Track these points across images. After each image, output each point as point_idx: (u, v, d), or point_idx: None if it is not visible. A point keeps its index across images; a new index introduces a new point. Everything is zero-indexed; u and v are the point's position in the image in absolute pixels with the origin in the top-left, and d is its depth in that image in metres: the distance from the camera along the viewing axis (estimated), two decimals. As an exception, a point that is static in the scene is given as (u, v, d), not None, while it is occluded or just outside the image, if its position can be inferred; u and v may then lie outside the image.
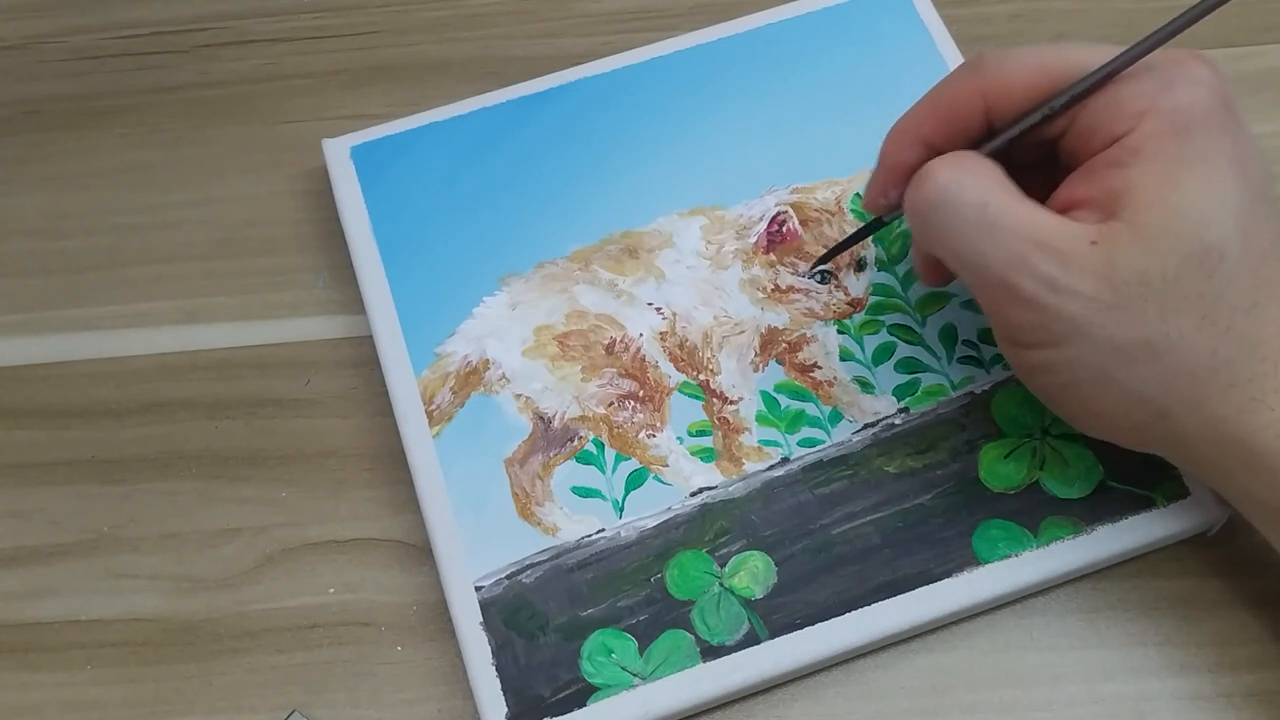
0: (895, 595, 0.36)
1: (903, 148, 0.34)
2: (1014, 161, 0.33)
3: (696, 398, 0.39)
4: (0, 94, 0.49)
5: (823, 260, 0.41)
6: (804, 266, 0.41)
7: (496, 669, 0.35)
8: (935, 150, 0.34)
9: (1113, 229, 0.30)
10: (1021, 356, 0.33)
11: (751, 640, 0.35)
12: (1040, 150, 0.34)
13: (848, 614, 0.36)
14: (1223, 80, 0.31)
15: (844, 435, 0.38)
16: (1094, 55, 0.32)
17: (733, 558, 0.37)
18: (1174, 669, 0.36)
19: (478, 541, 0.37)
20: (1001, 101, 0.33)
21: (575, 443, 0.39)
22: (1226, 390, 0.30)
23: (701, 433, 0.39)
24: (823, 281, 0.41)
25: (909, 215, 0.33)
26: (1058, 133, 0.33)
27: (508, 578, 0.37)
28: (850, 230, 0.41)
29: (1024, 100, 0.32)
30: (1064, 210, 0.31)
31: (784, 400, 0.39)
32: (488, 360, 0.40)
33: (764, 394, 0.39)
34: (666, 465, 0.38)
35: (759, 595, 0.36)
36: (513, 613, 0.36)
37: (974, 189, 0.31)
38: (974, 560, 0.36)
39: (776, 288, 0.41)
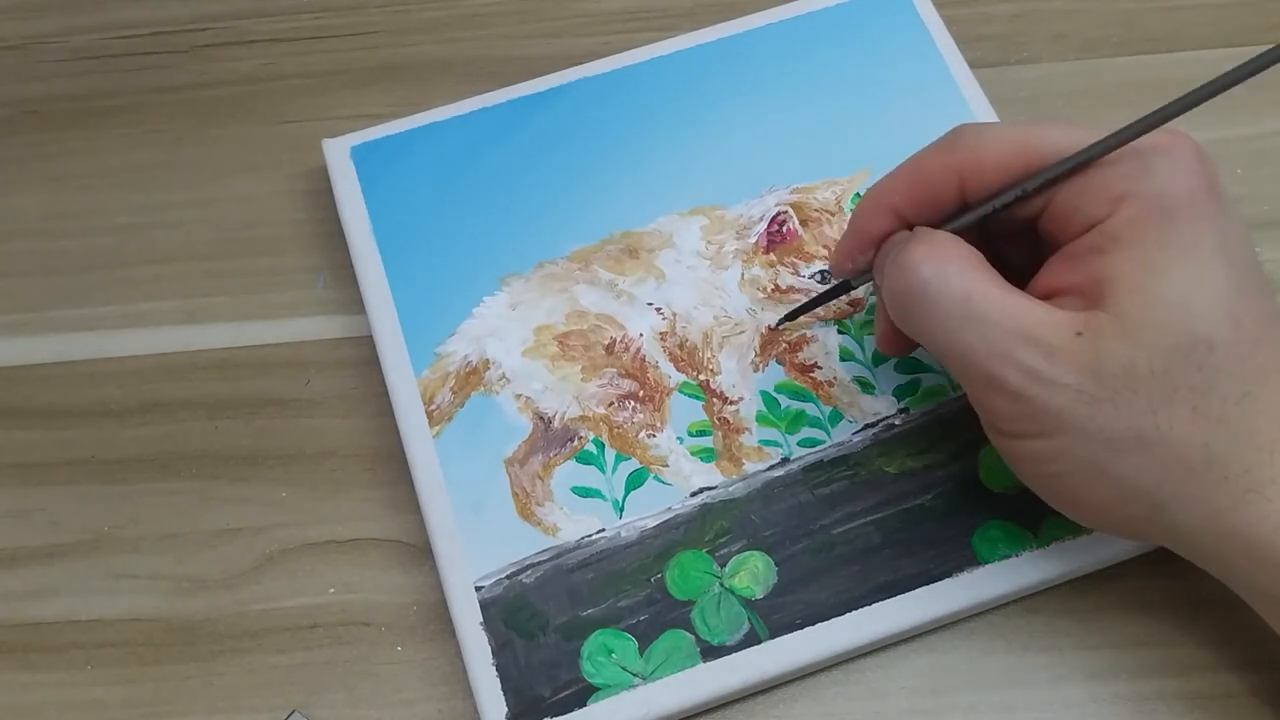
0: (895, 595, 0.36)
1: (874, 216, 0.34)
2: (993, 232, 0.33)
3: (696, 398, 0.39)
4: (0, 94, 0.49)
5: (789, 318, 0.40)
6: (804, 266, 0.41)
7: (496, 669, 0.35)
8: (906, 221, 0.33)
9: (1097, 319, 0.29)
10: (1009, 446, 0.32)
11: (751, 640, 0.35)
12: (1020, 226, 0.33)
13: (848, 614, 0.36)
14: (1208, 162, 0.30)
15: (844, 435, 0.38)
16: (1071, 136, 0.31)
17: (733, 558, 0.37)
18: (1174, 669, 0.36)
19: (478, 541, 0.37)
20: (975, 178, 0.32)
21: (575, 443, 0.39)
22: (1220, 483, 0.29)
23: (701, 433, 0.39)
24: (823, 281, 0.41)
25: (887, 298, 0.33)
26: (1034, 213, 0.32)
27: (508, 578, 0.37)
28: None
29: (998, 178, 0.32)
30: (1047, 296, 0.31)
31: (784, 400, 0.39)
32: (488, 360, 0.40)
33: (764, 394, 0.39)
34: (666, 465, 0.38)
35: (759, 595, 0.36)
36: (513, 613, 0.36)
37: (958, 280, 0.31)
38: (974, 560, 0.36)
39: (776, 288, 0.41)
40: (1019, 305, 0.30)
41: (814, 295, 0.39)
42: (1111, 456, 0.30)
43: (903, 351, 0.37)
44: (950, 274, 0.31)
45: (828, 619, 0.36)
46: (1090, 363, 0.29)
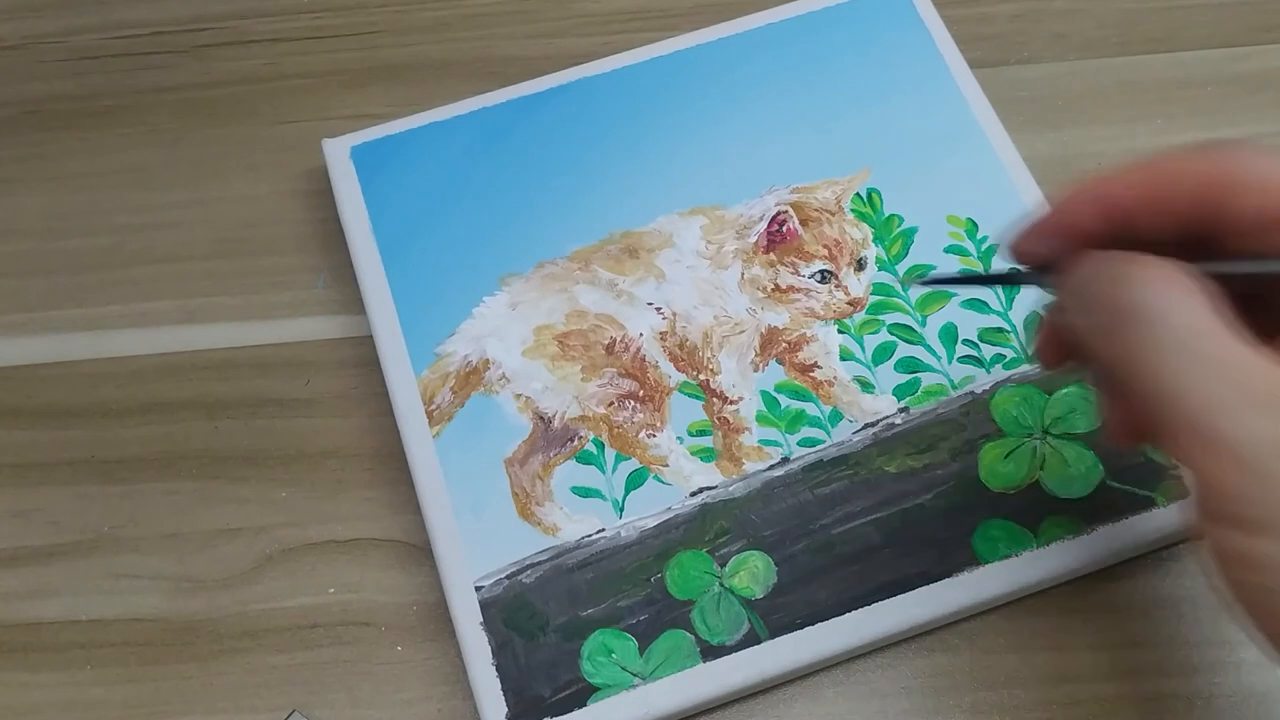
0: (895, 595, 0.36)
1: (1083, 204, 0.28)
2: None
3: (696, 397, 0.39)
4: (0, 94, 0.49)
5: (932, 281, 0.39)
6: (804, 266, 0.41)
7: (496, 669, 0.35)
8: (1119, 224, 0.28)
9: None
10: (1223, 538, 0.24)
11: (751, 640, 0.35)
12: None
13: (848, 614, 0.36)
14: None
15: (844, 435, 0.38)
16: None
17: (733, 558, 0.37)
18: (1174, 669, 0.36)
19: (478, 541, 0.37)
20: (1231, 205, 0.26)
21: (575, 443, 0.39)
22: None
23: (701, 432, 0.39)
24: (823, 281, 0.41)
25: (1086, 311, 0.27)
26: None
27: (508, 578, 0.37)
28: (851, 231, 0.41)
29: (1260, 216, 0.26)
30: None
31: (784, 400, 0.39)
32: (488, 360, 0.40)
33: (764, 394, 0.39)
34: (666, 465, 0.38)
35: (759, 595, 0.36)
36: (513, 613, 0.36)
37: (1187, 308, 0.25)
38: (974, 560, 0.36)
39: (776, 287, 0.41)
40: (1262, 358, 0.24)
41: (969, 273, 0.33)
42: None
43: (1059, 367, 0.32)
44: (1178, 300, 0.25)
45: (828, 619, 0.36)
46: None
